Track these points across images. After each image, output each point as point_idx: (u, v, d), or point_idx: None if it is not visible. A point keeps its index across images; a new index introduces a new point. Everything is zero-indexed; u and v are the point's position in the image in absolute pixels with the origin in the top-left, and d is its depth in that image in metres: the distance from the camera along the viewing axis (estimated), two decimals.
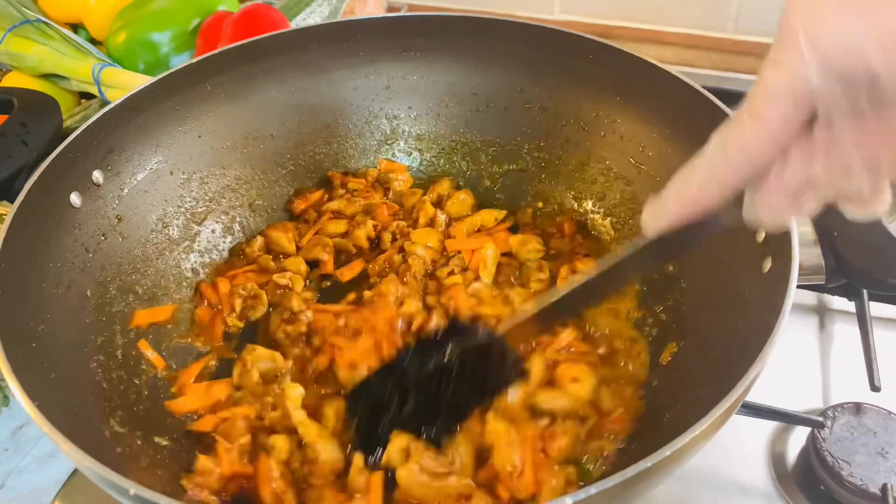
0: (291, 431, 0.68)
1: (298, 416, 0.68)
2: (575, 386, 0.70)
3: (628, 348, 0.75)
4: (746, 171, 0.41)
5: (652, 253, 0.49)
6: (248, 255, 0.88)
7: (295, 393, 0.71)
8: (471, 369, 0.63)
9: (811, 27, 0.36)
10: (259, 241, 0.89)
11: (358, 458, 0.65)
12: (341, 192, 0.95)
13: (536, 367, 0.71)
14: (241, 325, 0.81)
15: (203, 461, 0.65)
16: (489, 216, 0.92)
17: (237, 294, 0.82)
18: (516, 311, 0.71)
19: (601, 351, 0.75)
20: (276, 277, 0.84)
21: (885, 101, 0.36)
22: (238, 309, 0.81)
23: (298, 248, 0.90)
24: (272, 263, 0.86)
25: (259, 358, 0.75)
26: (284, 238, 0.88)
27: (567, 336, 0.74)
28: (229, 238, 0.90)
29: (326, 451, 0.66)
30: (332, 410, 0.70)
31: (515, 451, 0.64)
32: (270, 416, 0.70)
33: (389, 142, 0.99)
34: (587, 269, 0.57)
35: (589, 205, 0.90)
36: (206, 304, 0.82)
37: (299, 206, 0.94)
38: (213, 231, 0.88)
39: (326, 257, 0.87)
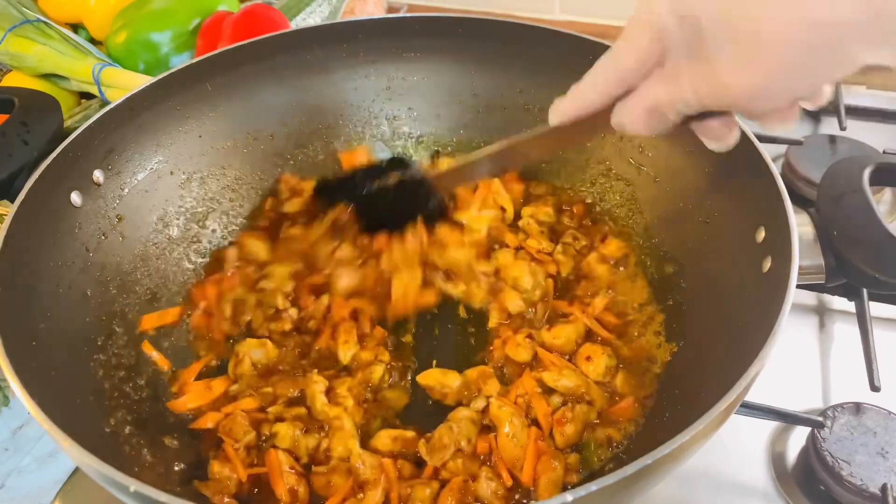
0: (294, 420, 0.70)
1: (321, 404, 0.70)
2: (588, 365, 0.73)
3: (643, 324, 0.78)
4: (618, 83, 0.53)
5: (554, 137, 0.62)
6: (227, 265, 0.84)
7: (319, 387, 0.72)
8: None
9: None
10: (233, 251, 0.85)
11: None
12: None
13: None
14: (236, 330, 0.80)
15: (217, 467, 0.65)
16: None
17: (225, 299, 0.80)
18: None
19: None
20: (262, 284, 0.81)
21: (706, 43, 0.46)
22: (228, 314, 0.80)
23: None
24: (250, 271, 0.83)
25: (250, 347, 0.76)
26: (261, 246, 0.84)
27: (601, 301, 0.79)
28: (229, 238, 0.90)
29: (346, 431, 0.68)
30: (345, 388, 0.72)
31: (518, 442, 0.66)
32: (274, 410, 0.70)
33: (389, 142, 0.99)
34: (505, 141, 0.65)
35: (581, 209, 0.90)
36: (199, 310, 0.80)
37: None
38: (213, 231, 0.88)
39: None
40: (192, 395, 0.73)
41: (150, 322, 0.78)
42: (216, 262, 0.86)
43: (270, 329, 0.79)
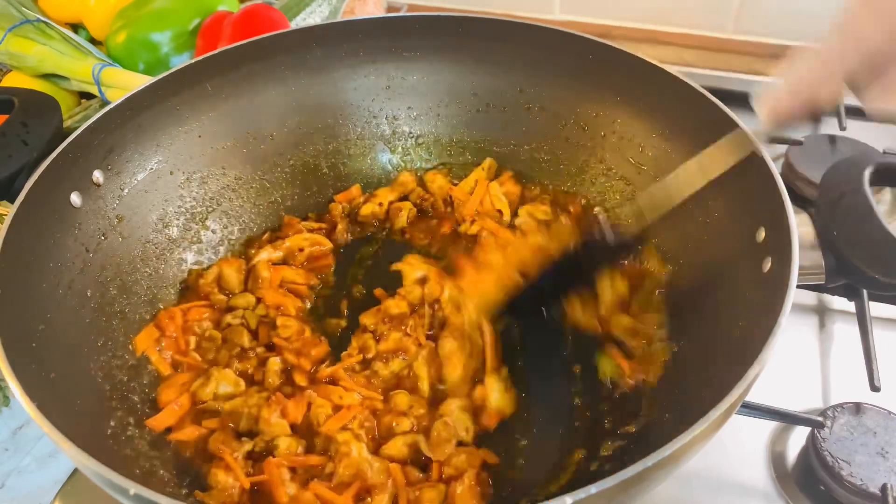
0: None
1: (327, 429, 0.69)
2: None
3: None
4: (862, 59, 0.47)
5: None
6: (200, 289, 0.83)
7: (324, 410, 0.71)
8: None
9: None
10: (213, 271, 0.84)
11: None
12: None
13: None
14: (199, 359, 0.76)
15: (220, 476, 0.64)
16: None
17: (191, 331, 0.78)
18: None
19: None
20: (228, 318, 0.80)
21: None
22: (192, 346, 0.77)
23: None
24: (222, 297, 0.83)
25: (223, 378, 0.73)
26: (235, 277, 0.84)
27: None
28: (229, 238, 0.90)
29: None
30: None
31: None
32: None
33: (389, 142, 0.99)
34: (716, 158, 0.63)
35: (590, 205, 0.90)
36: (165, 336, 0.77)
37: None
38: (213, 231, 0.88)
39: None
40: (167, 413, 0.70)
41: (143, 343, 0.76)
42: (190, 288, 0.84)
43: (238, 368, 0.75)
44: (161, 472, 0.64)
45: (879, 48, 0.48)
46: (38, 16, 1.16)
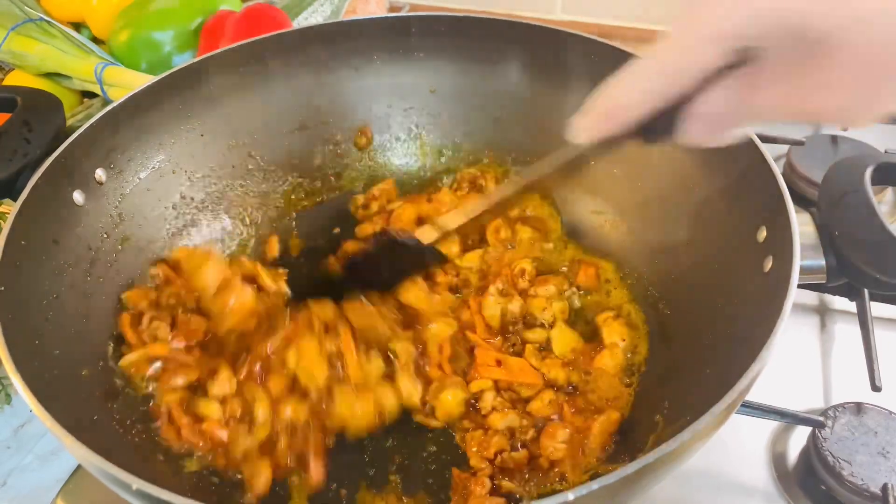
0: None
1: None
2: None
3: None
4: (670, 97, 0.45)
5: (576, 161, 0.56)
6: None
7: None
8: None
9: None
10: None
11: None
12: None
13: None
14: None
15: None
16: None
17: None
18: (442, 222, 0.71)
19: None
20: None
21: (813, 52, 0.40)
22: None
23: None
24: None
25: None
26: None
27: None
28: (231, 237, 0.90)
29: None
30: None
31: None
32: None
33: (390, 142, 0.99)
34: (515, 180, 0.63)
35: (593, 205, 0.90)
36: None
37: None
38: (214, 230, 0.89)
39: None
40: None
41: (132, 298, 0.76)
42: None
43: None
44: (165, 467, 0.65)
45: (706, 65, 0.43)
46: (41, 15, 1.17)
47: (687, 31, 0.43)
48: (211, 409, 0.67)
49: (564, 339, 0.76)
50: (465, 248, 0.86)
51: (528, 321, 0.78)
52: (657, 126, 0.47)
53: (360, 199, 0.95)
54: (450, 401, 0.70)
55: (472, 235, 0.89)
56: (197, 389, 0.70)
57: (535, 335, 0.76)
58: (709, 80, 0.43)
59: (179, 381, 0.69)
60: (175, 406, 0.68)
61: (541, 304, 0.78)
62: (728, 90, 0.44)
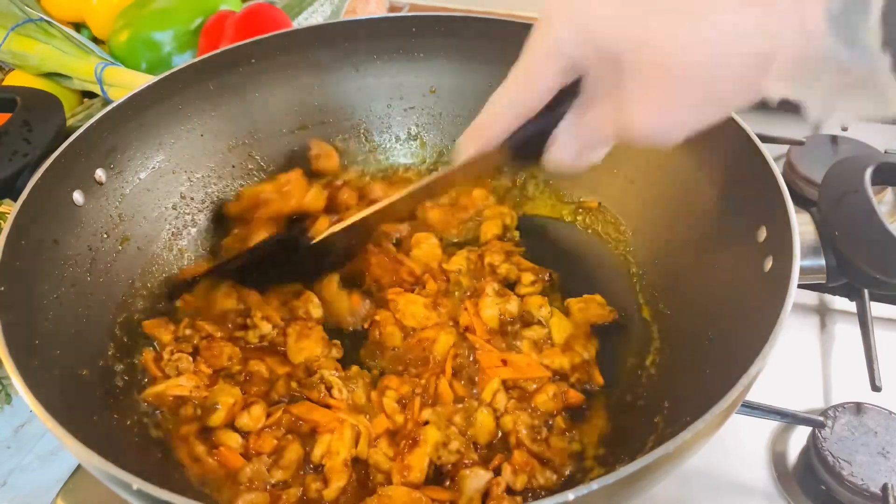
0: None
1: None
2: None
3: None
4: (523, 117, 0.52)
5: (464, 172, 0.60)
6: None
7: None
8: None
9: (575, 8, 0.48)
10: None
11: None
12: None
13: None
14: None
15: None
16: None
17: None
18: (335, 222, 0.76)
19: None
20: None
21: (621, 73, 0.45)
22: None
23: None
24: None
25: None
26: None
27: None
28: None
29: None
30: None
31: None
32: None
33: (391, 142, 0.99)
34: (410, 186, 0.66)
35: (594, 205, 0.91)
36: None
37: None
38: (215, 230, 0.88)
39: None
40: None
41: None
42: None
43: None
44: (165, 467, 0.65)
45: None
46: (41, 15, 1.17)
47: (528, 53, 0.50)
48: (232, 438, 0.67)
49: (561, 328, 0.76)
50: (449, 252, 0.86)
51: (526, 319, 0.78)
52: (526, 148, 0.53)
53: (269, 187, 0.89)
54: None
55: (458, 237, 0.89)
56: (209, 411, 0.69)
57: (535, 332, 0.76)
58: (558, 102, 0.50)
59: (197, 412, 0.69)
60: (192, 436, 0.67)
61: (537, 302, 0.78)
62: (571, 117, 0.51)
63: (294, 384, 0.72)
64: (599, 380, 0.73)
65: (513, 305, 0.78)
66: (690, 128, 0.47)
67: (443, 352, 0.74)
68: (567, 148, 0.53)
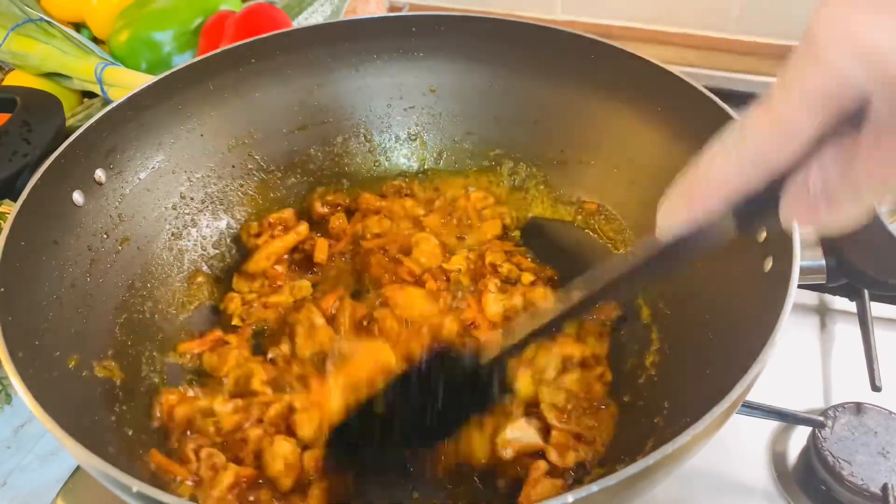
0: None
1: None
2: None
3: None
4: (764, 174, 0.37)
5: (660, 262, 0.45)
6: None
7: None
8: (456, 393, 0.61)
9: (853, 27, 0.32)
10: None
11: None
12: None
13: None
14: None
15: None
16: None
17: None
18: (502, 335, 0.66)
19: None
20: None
21: None
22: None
23: None
24: None
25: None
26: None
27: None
28: (231, 237, 0.90)
29: None
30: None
31: None
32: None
33: (391, 142, 0.99)
34: (583, 286, 0.53)
35: (593, 206, 0.90)
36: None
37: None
38: (215, 230, 0.88)
39: None
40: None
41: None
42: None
43: None
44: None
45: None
46: (41, 15, 1.17)
47: (784, 92, 0.36)
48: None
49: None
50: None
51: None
52: (754, 207, 0.39)
53: (254, 226, 0.88)
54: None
55: (449, 239, 0.88)
56: None
57: None
58: (811, 150, 0.36)
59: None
60: None
61: (541, 293, 0.78)
62: (834, 158, 0.36)
63: None
64: (608, 376, 0.73)
65: (517, 300, 0.78)
66: None
67: (450, 335, 0.74)
68: (812, 204, 0.38)
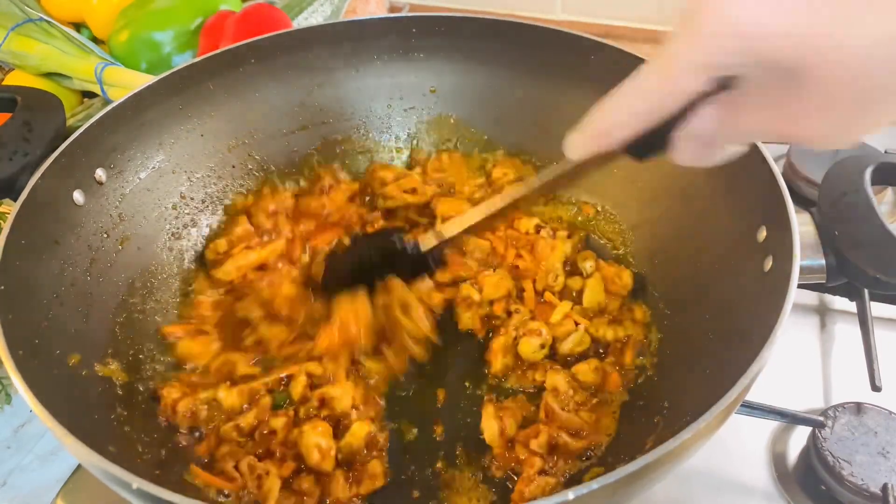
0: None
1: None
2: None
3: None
4: (651, 122, 0.46)
5: (574, 171, 0.57)
6: None
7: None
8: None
9: (734, 10, 0.39)
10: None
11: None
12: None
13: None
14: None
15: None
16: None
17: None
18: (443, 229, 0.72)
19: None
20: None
21: (789, 79, 0.39)
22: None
23: None
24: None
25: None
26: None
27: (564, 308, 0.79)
28: (231, 238, 0.89)
29: None
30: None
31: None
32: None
33: (391, 142, 0.99)
34: (518, 187, 0.63)
35: (592, 206, 0.90)
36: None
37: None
38: (214, 231, 0.88)
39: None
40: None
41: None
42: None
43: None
44: (166, 466, 0.65)
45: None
46: (41, 15, 1.17)
47: (669, 59, 0.43)
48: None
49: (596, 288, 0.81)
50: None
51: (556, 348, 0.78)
52: (647, 145, 0.49)
53: (223, 243, 0.86)
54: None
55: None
56: None
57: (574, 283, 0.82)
58: (693, 104, 0.44)
59: None
60: None
61: (585, 256, 0.83)
62: (712, 113, 0.45)
63: None
64: (628, 359, 0.75)
65: (545, 338, 0.77)
66: (870, 130, 0.42)
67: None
68: (699, 144, 0.48)
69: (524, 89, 0.93)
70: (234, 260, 0.83)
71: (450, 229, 0.70)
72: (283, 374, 0.72)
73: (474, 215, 0.67)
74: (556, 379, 0.72)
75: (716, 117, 0.45)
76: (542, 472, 0.65)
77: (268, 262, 0.83)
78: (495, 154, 0.96)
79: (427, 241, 0.71)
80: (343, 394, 0.70)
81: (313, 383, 0.72)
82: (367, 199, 0.94)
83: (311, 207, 0.89)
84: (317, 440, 0.66)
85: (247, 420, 0.68)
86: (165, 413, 0.70)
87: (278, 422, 0.68)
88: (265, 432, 0.68)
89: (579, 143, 0.53)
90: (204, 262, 0.85)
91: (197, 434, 0.69)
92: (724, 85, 0.43)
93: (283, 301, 0.77)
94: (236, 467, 0.65)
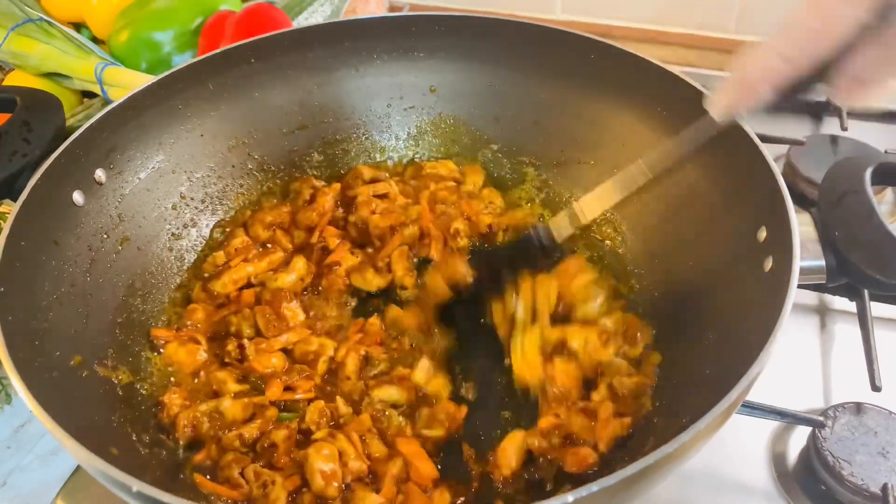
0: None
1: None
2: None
3: None
4: (802, 67, 0.44)
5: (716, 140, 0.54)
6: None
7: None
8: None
9: None
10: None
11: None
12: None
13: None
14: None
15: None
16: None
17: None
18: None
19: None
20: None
21: None
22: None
23: None
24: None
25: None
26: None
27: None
28: (231, 238, 0.89)
29: None
30: None
31: None
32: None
33: (391, 141, 0.99)
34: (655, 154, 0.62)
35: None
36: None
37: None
38: (214, 231, 0.88)
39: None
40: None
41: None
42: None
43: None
44: (165, 468, 0.65)
45: (825, 44, 0.43)
46: (41, 15, 1.17)
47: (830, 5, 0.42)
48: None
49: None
50: None
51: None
52: (797, 92, 0.47)
53: (221, 256, 0.85)
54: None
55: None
56: None
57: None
58: (851, 43, 0.43)
59: None
60: None
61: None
62: (872, 49, 0.43)
63: None
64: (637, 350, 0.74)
65: None
66: None
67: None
68: (859, 81, 0.45)
69: (524, 89, 0.93)
70: (230, 273, 0.82)
71: (590, 210, 0.69)
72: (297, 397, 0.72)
73: (614, 194, 0.65)
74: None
75: (873, 53, 0.43)
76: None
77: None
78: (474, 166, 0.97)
79: (562, 229, 0.71)
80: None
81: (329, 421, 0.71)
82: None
83: (307, 219, 0.89)
84: (321, 465, 0.64)
85: (250, 431, 0.68)
86: (168, 417, 0.69)
87: (279, 435, 0.67)
88: (266, 445, 0.67)
89: (724, 100, 0.50)
90: (201, 274, 0.85)
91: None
92: (884, 15, 0.41)
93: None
94: (241, 474, 0.65)
